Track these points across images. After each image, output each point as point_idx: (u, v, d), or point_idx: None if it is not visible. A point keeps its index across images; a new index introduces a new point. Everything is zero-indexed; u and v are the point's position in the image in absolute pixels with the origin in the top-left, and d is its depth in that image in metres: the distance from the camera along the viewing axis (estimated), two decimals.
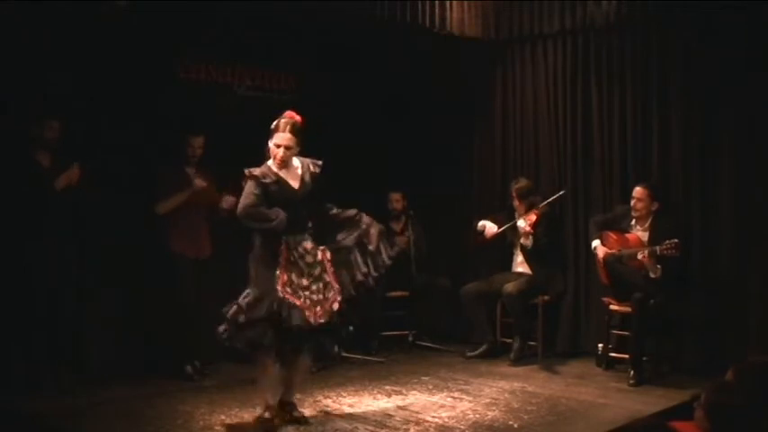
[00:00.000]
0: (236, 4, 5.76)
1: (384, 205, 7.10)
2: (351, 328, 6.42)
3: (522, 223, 6.36)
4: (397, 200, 7.14)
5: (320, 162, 4.78)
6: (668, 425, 2.74)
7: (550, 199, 6.41)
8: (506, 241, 6.70)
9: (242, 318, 4.53)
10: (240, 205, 4.61)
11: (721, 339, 5.83)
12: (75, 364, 5.51)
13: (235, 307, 4.57)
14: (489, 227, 6.56)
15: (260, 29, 6.37)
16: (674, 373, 5.89)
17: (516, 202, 6.58)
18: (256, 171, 4.61)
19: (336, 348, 6.31)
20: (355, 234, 4.81)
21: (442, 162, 7.46)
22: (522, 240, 6.45)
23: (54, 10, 5.37)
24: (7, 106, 5.31)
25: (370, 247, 4.81)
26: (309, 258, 4.65)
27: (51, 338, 5.36)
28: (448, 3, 6.58)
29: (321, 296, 4.63)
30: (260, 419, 4.71)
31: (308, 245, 4.67)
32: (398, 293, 6.98)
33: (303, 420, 4.75)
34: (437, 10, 6.46)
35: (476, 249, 6.75)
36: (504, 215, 6.69)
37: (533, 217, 6.37)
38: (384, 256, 4.85)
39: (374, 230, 4.84)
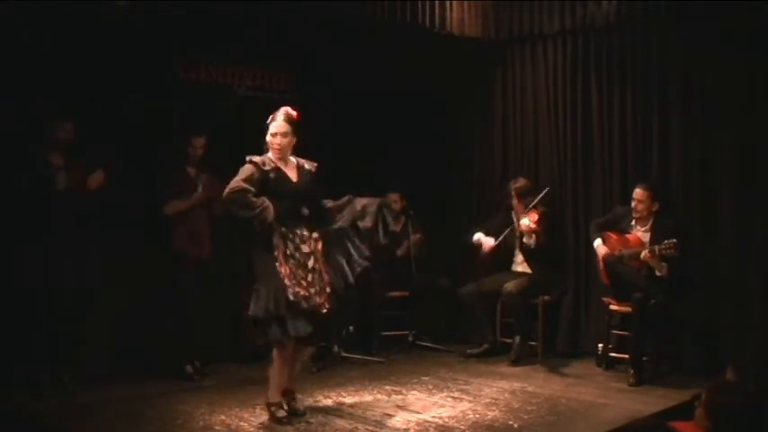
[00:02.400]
0: (236, 4, 5.76)
1: None
2: (351, 328, 6.49)
3: (526, 221, 6.34)
4: (395, 200, 7.11)
5: (315, 164, 4.88)
6: (668, 425, 2.75)
7: (538, 198, 6.39)
8: (506, 242, 6.69)
9: (269, 311, 4.54)
10: (227, 188, 4.62)
11: (721, 339, 5.83)
12: (75, 364, 5.51)
13: (260, 304, 4.56)
14: (485, 240, 6.55)
15: (260, 29, 6.37)
16: (674, 373, 5.89)
17: (515, 201, 6.58)
18: (256, 158, 4.69)
19: (336, 348, 6.36)
20: (348, 215, 4.84)
21: (442, 162, 7.46)
22: (525, 239, 6.43)
23: (54, 10, 5.37)
24: (17, 106, 5.31)
25: (365, 225, 4.83)
26: (306, 248, 4.72)
27: (51, 338, 5.36)
28: (448, 3, 6.58)
29: (319, 287, 4.70)
30: (276, 419, 4.71)
31: (305, 233, 4.74)
32: (398, 293, 6.97)
33: (300, 412, 4.81)
34: (437, 10, 6.46)
35: (482, 263, 6.66)
36: (500, 216, 6.69)
37: (535, 216, 6.37)
38: (380, 234, 4.92)
39: (371, 207, 4.85)
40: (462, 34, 6.77)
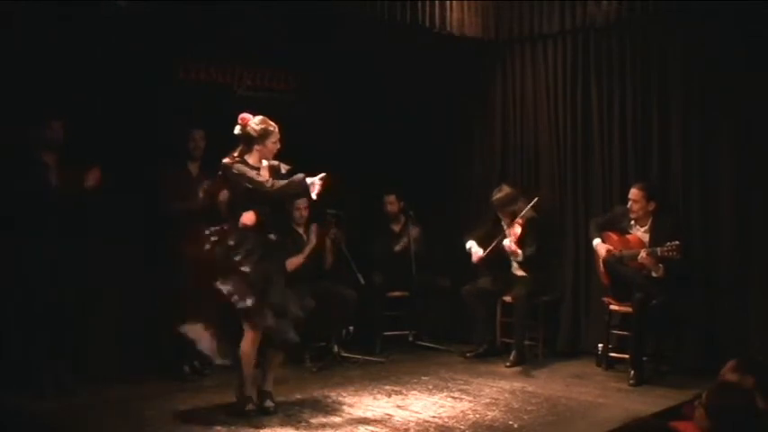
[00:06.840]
0: (236, 4, 5.77)
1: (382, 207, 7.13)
2: (351, 328, 6.50)
3: (506, 242, 6.35)
4: (391, 202, 7.12)
5: (289, 167, 4.98)
6: (668, 425, 2.74)
7: (525, 210, 6.39)
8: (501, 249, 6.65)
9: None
10: (267, 184, 4.74)
11: (721, 339, 5.83)
12: (75, 364, 5.51)
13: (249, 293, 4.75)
14: (475, 251, 6.52)
15: (260, 29, 6.37)
16: (674, 373, 5.89)
17: (500, 213, 6.56)
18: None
19: (336, 348, 6.36)
20: None
21: (442, 162, 7.46)
22: (512, 258, 6.45)
23: (54, 10, 5.37)
24: (10, 107, 5.31)
25: None
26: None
27: (52, 338, 5.35)
28: (448, 3, 6.58)
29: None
30: (246, 412, 4.83)
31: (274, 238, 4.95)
32: (398, 293, 6.98)
33: (272, 410, 4.89)
34: (437, 10, 6.46)
35: (477, 268, 6.66)
36: (489, 225, 6.65)
37: (518, 230, 6.35)
38: None
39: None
40: (462, 34, 6.76)
